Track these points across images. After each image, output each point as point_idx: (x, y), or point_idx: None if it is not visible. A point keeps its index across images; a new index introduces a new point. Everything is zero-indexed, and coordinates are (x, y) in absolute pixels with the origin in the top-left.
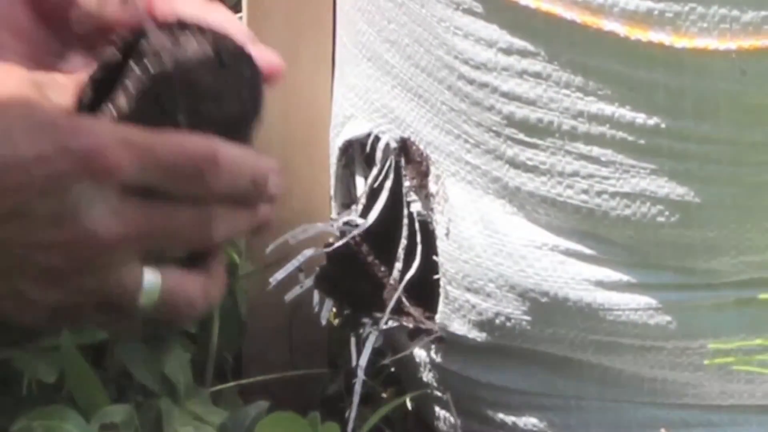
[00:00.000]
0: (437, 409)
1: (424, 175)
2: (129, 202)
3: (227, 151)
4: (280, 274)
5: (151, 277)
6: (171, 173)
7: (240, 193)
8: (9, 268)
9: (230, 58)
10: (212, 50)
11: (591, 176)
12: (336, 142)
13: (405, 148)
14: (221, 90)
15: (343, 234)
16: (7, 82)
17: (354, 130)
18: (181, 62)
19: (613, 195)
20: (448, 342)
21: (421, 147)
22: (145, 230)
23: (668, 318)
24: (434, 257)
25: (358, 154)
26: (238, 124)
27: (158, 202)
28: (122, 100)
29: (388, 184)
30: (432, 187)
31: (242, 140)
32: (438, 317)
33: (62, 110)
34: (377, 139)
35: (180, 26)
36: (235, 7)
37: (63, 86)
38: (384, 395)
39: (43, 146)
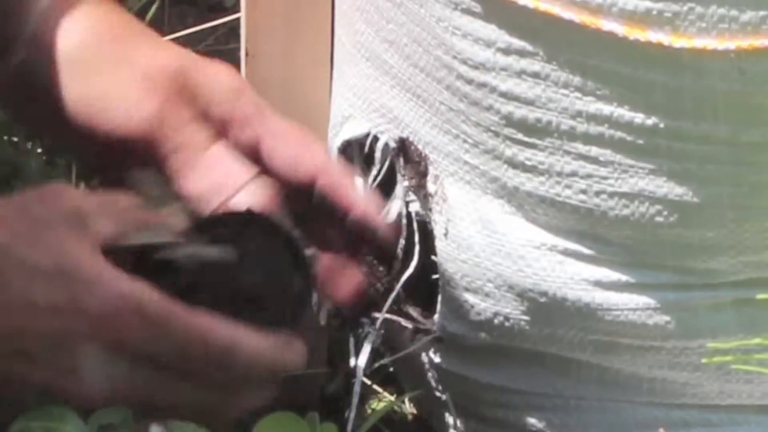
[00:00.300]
0: (436, 408)
1: (422, 175)
2: (133, 371)
3: (248, 345)
4: None
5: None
6: (182, 353)
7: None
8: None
9: (281, 268)
10: (265, 258)
11: (589, 176)
12: (334, 142)
13: (403, 148)
14: (269, 295)
15: None
16: (159, 58)
17: (353, 130)
18: (226, 270)
19: (612, 195)
20: (447, 342)
21: (420, 147)
22: (140, 398)
23: (667, 318)
24: (433, 257)
25: (356, 154)
26: (279, 316)
27: (166, 375)
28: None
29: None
30: (430, 187)
31: (281, 323)
32: (437, 317)
33: (94, 256)
34: (376, 139)
35: (247, 221)
36: (234, 8)
37: (209, 77)
38: (383, 395)
39: (59, 299)
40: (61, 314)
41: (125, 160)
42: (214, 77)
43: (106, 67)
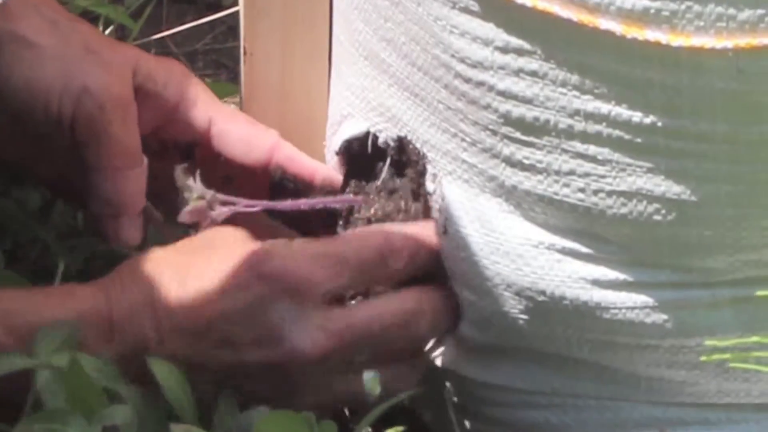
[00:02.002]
0: (434, 407)
1: (420, 173)
2: (330, 312)
3: (396, 234)
4: None
5: (368, 376)
6: (360, 272)
7: (421, 267)
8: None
9: None
10: None
11: (587, 175)
12: (333, 141)
13: (402, 146)
14: None
15: None
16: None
17: (351, 129)
18: None
19: (610, 193)
20: (445, 340)
21: (418, 146)
22: (349, 339)
23: (664, 316)
24: None
25: (356, 153)
26: None
27: (358, 307)
28: None
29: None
30: (429, 186)
31: None
32: None
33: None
34: (375, 137)
35: None
36: (232, 6)
37: (161, 67)
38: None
39: (241, 275)
40: (249, 288)
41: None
42: (165, 66)
43: (59, 57)
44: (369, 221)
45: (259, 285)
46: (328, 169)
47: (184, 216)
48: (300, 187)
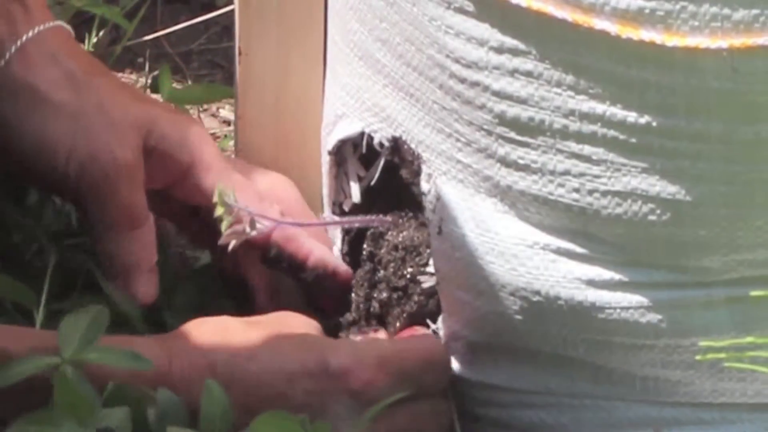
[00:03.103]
0: None
1: (415, 174)
2: (376, 417)
3: (438, 352)
4: None
5: None
6: (410, 381)
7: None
8: None
9: None
10: None
11: (582, 175)
12: (328, 141)
13: (397, 147)
14: None
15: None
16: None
17: (346, 129)
18: None
19: (605, 193)
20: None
21: (413, 146)
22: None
23: (659, 316)
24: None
25: (350, 153)
26: None
27: (400, 412)
28: None
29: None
30: (424, 186)
31: None
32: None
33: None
34: (370, 138)
35: None
36: (227, 6)
37: (176, 126)
38: None
39: (310, 365)
40: (313, 377)
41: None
42: (182, 126)
43: (70, 115)
44: (396, 248)
45: (325, 380)
46: (323, 250)
47: (225, 238)
48: (293, 265)
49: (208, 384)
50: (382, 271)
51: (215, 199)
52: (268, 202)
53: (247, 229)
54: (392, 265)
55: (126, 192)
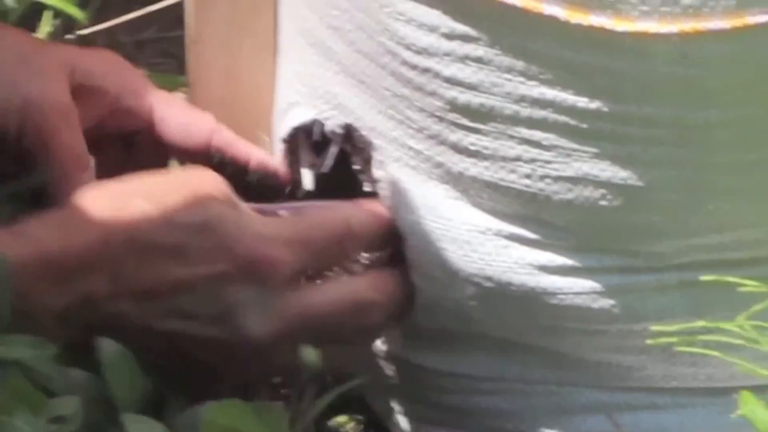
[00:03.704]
0: (382, 394)
1: (367, 161)
2: (285, 298)
3: (358, 218)
4: None
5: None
6: (320, 256)
7: (376, 249)
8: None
9: None
10: None
11: (534, 160)
12: (280, 129)
13: (349, 134)
14: None
15: None
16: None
17: (298, 117)
18: None
19: (556, 179)
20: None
21: (365, 133)
22: (300, 325)
23: (612, 301)
24: None
25: (303, 141)
26: None
27: (313, 293)
28: None
29: None
30: (376, 173)
31: None
32: None
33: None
34: (321, 125)
35: None
36: None
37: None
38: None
39: (210, 247)
40: (215, 262)
41: None
42: (102, 59)
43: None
44: None
45: (226, 263)
46: (262, 153)
47: None
48: (237, 169)
49: (104, 349)
50: (317, 282)
51: None
52: (198, 111)
53: None
54: None
55: (66, 133)
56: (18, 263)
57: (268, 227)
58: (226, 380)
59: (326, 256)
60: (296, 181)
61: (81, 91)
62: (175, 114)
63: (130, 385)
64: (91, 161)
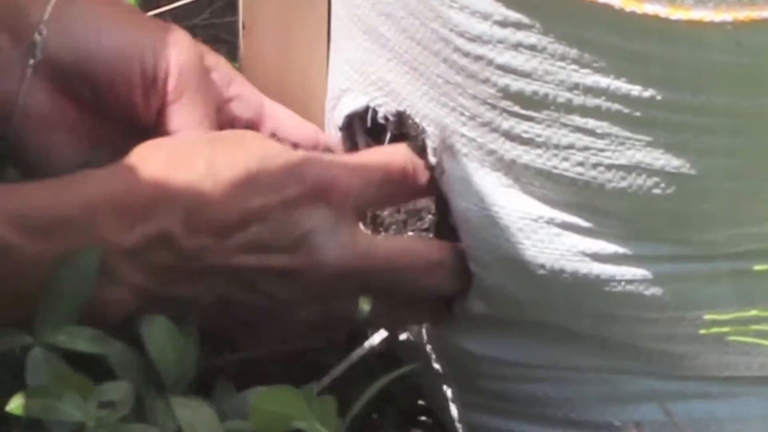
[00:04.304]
0: (432, 381)
1: (421, 149)
2: (358, 231)
3: (413, 161)
4: None
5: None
6: (380, 189)
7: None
8: (239, 293)
9: None
10: None
11: (587, 149)
12: (334, 116)
13: (401, 121)
14: None
15: None
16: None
17: (351, 104)
18: None
19: (609, 167)
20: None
21: (417, 120)
22: (371, 264)
23: (664, 290)
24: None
25: (359, 127)
26: None
27: (387, 238)
28: None
29: None
30: (431, 160)
31: None
32: None
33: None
34: (375, 112)
35: None
36: None
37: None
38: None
39: (279, 174)
40: (287, 189)
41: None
42: (216, 56)
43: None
44: (398, 211)
45: (297, 187)
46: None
47: None
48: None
49: (149, 325)
50: (383, 233)
51: None
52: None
53: None
54: (393, 227)
55: (206, 90)
56: (88, 204)
57: (331, 156)
58: (285, 326)
59: (385, 191)
60: None
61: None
62: (283, 110)
63: (176, 364)
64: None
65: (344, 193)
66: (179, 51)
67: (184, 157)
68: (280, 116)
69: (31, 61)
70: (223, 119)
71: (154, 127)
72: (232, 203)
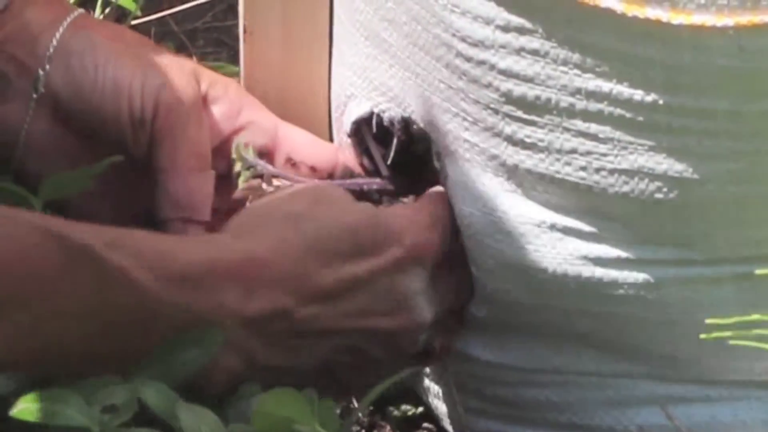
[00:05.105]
0: (436, 386)
1: (426, 152)
2: (433, 281)
3: None
4: None
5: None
6: (449, 234)
7: None
8: (344, 356)
9: None
10: None
11: (589, 153)
12: (342, 122)
13: (406, 126)
14: None
15: None
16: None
17: (356, 110)
18: None
19: (612, 172)
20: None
21: (422, 125)
22: (447, 307)
23: (666, 293)
24: None
25: (367, 132)
26: None
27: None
28: None
29: None
30: (436, 164)
31: None
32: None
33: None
34: (380, 117)
35: None
36: None
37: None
38: None
39: (382, 241)
40: (384, 250)
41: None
42: (219, 76)
43: (133, 59)
44: None
45: (398, 250)
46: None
47: (240, 192)
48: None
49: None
50: None
51: (234, 153)
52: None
53: (264, 186)
54: None
55: (195, 129)
56: (212, 268)
57: (413, 213)
58: (384, 374)
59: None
60: (368, 172)
61: (206, 100)
62: (299, 132)
63: None
64: (212, 174)
65: (430, 252)
66: (168, 92)
67: (292, 226)
68: (296, 139)
69: (35, 95)
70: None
71: (147, 161)
72: (340, 270)
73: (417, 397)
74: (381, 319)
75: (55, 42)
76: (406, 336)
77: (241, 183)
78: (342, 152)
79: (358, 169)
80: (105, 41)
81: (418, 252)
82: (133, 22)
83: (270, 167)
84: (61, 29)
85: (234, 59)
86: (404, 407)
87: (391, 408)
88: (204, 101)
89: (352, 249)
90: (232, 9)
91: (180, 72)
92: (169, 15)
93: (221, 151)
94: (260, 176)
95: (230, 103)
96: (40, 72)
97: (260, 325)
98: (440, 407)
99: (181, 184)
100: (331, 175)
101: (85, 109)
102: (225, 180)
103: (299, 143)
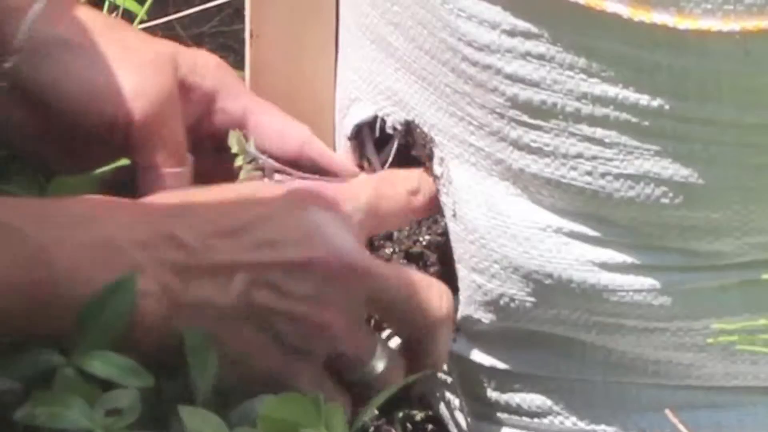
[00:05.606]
0: (442, 392)
1: (428, 158)
2: (363, 247)
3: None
4: None
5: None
6: (380, 199)
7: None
8: (265, 294)
9: None
10: None
11: (595, 158)
12: (344, 125)
13: (409, 130)
14: None
15: None
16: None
17: (359, 113)
18: None
19: (617, 176)
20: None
21: (425, 129)
22: (377, 273)
23: (672, 299)
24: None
25: (368, 136)
26: None
27: (392, 265)
28: None
29: None
30: (437, 170)
31: None
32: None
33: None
34: (383, 121)
35: None
36: None
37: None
38: None
39: (275, 192)
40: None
41: (95, 151)
42: (202, 57)
43: (105, 58)
44: None
45: (293, 194)
46: (352, 165)
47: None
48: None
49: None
50: (396, 234)
51: (231, 145)
52: (294, 120)
53: (265, 180)
54: (407, 228)
55: (173, 126)
56: (92, 206)
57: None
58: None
59: (385, 205)
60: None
61: (183, 87)
62: (270, 120)
63: (207, 375)
64: (190, 158)
65: (333, 200)
66: (143, 103)
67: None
68: (263, 128)
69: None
70: (204, 134)
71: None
72: (236, 214)
73: (423, 401)
74: (289, 248)
75: (21, 35)
76: (324, 268)
77: (243, 176)
78: (311, 143)
79: (325, 161)
80: (75, 40)
81: (313, 196)
82: (140, 26)
83: (271, 161)
84: (28, 21)
85: (240, 64)
86: (410, 411)
87: (398, 412)
88: (181, 87)
89: (250, 195)
90: (239, 13)
91: (155, 62)
92: (176, 19)
93: (196, 131)
94: (261, 169)
95: (205, 90)
96: (5, 65)
97: (155, 249)
98: (446, 412)
99: (160, 185)
100: (295, 166)
101: (55, 107)
102: (205, 158)
103: (265, 134)
